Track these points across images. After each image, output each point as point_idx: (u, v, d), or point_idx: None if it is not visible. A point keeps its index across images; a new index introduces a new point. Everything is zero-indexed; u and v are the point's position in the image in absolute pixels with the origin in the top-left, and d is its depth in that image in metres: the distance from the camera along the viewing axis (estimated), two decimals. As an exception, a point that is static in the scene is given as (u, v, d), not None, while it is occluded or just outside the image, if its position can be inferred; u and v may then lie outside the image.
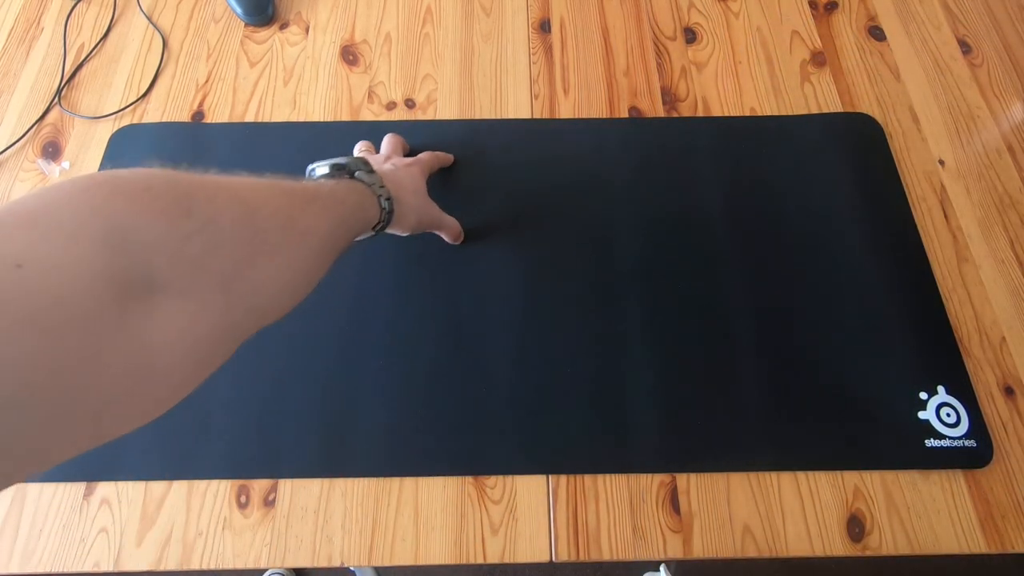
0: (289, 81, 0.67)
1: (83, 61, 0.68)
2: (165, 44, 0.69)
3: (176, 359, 0.28)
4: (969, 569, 1.09)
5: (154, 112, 0.65)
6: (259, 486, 0.49)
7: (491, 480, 0.49)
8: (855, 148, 0.62)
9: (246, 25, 0.70)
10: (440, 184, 0.59)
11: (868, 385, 0.51)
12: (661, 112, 0.64)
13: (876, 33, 0.69)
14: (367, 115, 0.64)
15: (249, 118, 0.64)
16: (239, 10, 0.69)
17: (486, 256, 0.56)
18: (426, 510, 0.48)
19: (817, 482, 0.49)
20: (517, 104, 0.65)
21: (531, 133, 0.63)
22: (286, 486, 0.49)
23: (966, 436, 0.49)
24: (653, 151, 0.62)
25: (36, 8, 0.72)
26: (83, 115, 0.65)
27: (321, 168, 0.45)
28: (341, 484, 0.49)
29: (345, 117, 0.64)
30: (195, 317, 0.28)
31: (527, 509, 0.48)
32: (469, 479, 0.49)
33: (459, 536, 0.47)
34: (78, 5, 0.72)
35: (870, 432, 0.49)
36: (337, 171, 0.44)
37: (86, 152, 0.62)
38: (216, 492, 0.48)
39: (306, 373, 0.52)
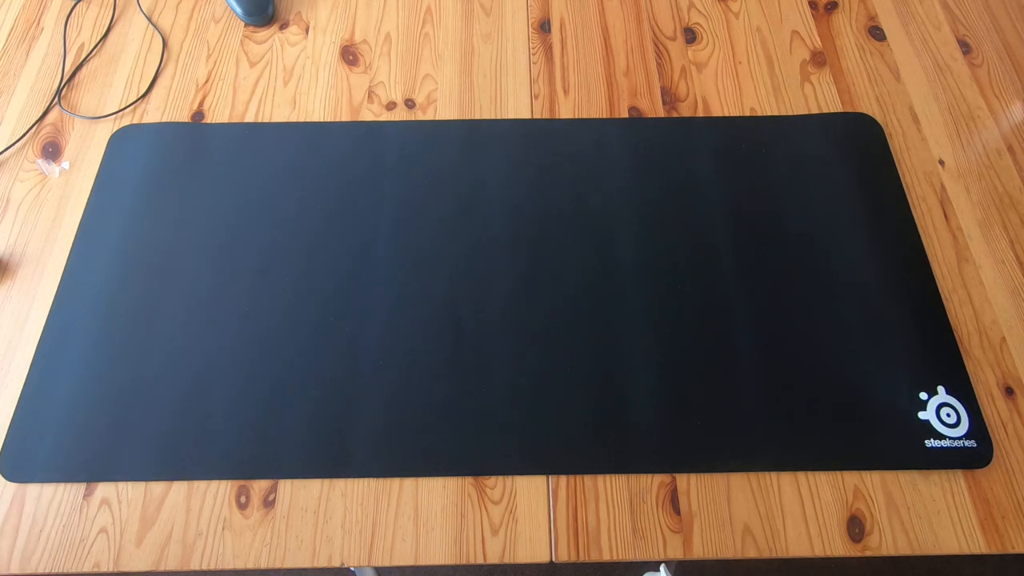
0: (289, 81, 0.67)
1: (83, 61, 0.68)
2: (165, 44, 0.69)
3: None
4: (969, 569, 1.09)
5: (154, 112, 0.65)
6: (259, 486, 0.49)
7: (491, 480, 0.49)
8: (855, 148, 0.62)
9: (246, 25, 0.70)
10: (440, 185, 0.59)
11: (868, 385, 0.51)
12: (661, 112, 0.64)
13: (876, 33, 0.69)
14: (367, 115, 0.64)
15: (249, 118, 0.64)
16: (239, 10, 0.69)
17: (485, 256, 0.56)
18: (426, 510, 0.48)
19: (817, 482, 0.49)
20: (517, 104, 0.65)
21: (531, 133, 0.63)
22: (286, 486, 0.49)
23: (966, 436, 0.49)
24: (653, 151, 0.62)
25: (36, 8, 0.72)
26: (83, 115, 0.65)
27: None
28: (341, 484, 0.49)
29: (345, 117, 0.64)
30: None
31: (527, 509, 0.48)
32: (469, 479, 0.49)
33: (459, 536, 0.47)
34: (78, 5, 0.72)
35: (870, 432, 0.49)
36: None
37: (86, 152, 0.62)
38: (216, 492, 0.48)
39: (306, 373, 0.52)
